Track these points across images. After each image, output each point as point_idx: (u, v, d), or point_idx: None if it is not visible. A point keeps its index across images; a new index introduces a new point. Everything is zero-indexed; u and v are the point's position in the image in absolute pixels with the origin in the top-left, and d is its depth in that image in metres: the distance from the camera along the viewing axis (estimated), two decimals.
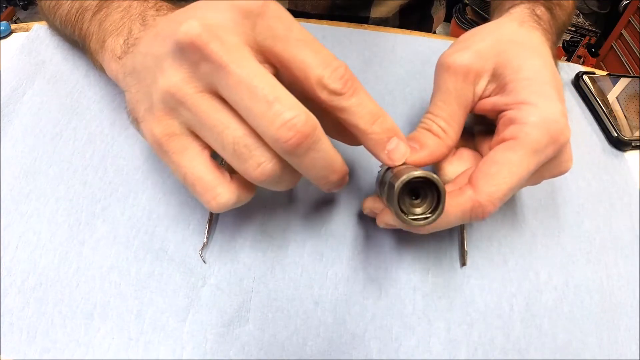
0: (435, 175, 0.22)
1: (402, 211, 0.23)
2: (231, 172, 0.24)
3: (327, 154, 0.22)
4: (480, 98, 0.27)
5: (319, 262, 0.30)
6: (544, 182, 0.35)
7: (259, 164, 0.21)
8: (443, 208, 0.22)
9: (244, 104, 0.20)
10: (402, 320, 0.28)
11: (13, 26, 0.42)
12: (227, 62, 0.20)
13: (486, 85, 0.27)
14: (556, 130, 0.24)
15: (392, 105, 0.39)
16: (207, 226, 0.30)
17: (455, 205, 0.24)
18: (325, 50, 0.22)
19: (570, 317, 0.29)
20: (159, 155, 0.23)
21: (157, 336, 0.26)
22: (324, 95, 0.21)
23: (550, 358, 0.28)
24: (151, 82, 0.23)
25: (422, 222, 0.23)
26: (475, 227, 0.32)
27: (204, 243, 0.29)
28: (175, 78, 0.21)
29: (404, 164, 0.24)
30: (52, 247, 0.29)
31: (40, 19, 0.42)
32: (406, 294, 0.29)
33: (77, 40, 0.34)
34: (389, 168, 0.25)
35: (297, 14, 0.53)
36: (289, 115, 0.19)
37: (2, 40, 0.41)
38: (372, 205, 0.28)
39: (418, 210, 0.23)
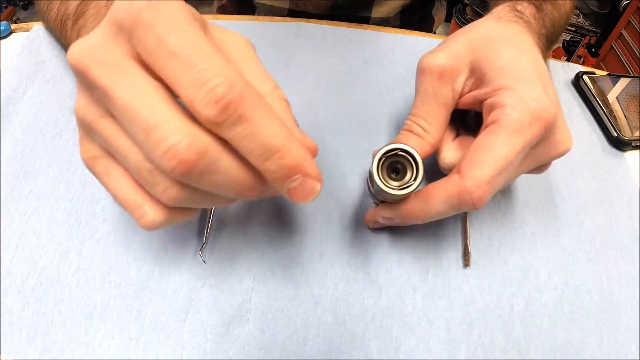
0: (410, 147, 0.24)
1: (383, 182, 0.24)
2: None
3: (231, 172, 0.19)
4: (463, 94, 0.28)
5: (319, 262, 0.30)
6: (544, 182, 0.35)
7: (164, 190, 0.19)
8: (422, 176, 0.24)
9: (130, 130, 0.18)
10: (402, 320, 0.28)
11: (13, 26, 0.42)
12: (107, 86, 0.18)
13: (465, 82, 0.28)
14: (537, 108, 0.24)
15: (392, 105, 0.39)
16: (207, 226, 0.30)
17: (441, 191, 0.24)
18: (208, 62, 0.17)
19: (570, 317, 0.29)
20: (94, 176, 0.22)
21: (157, 336, 0.26)
22: (201, 120, 0.18)
23: (550, 358, 0.28)
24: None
25: (401, 191, 0.24)
26: (475, 226, 0.32)
27: (204, 243, 0.29)
28: (80, 102, 0.20)
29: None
30: (52, 247, 0.29)
31: (40, 19, 0.42)
32: (406, 294, 0.29)
33: (64, 45, 0.34)
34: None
35: (298, 13, 0.53)
36: (170, 142, 0.17)
37: (2, 40, 0.41)
38: (372, 215, 0.29)
39: (398, 183, 0.25)
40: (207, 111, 0.17)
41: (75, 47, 0.19)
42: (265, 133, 0.18)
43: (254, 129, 0.18)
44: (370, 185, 0.28)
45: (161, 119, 0.17)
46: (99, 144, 0.21)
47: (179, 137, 0.17)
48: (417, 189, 0.24)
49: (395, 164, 0.25)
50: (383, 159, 0.25)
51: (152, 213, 0.21)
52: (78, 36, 0.30)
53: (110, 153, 0.21)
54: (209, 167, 0.18)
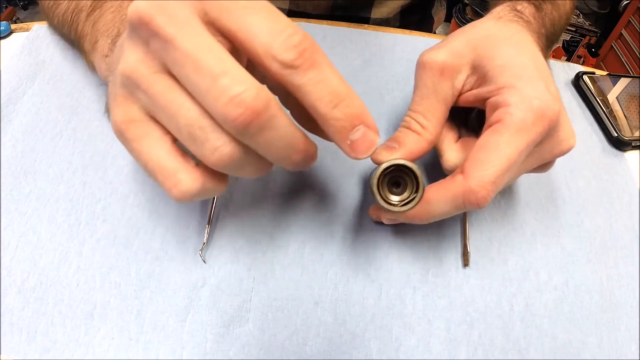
0: (412, 163, 0.23)
1: (383, 199, 0.24)
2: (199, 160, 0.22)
3: (286, 131, 0.19)
4: (463, 92, 0.28)
5: (319, 262, 0.30)
6: (544, 182, 0.35)
7: (216, 148, 0.19)
8: (423, 193, 0.23)
9: (191, 80, 0.18)
10: (402, 320, 0.28)
11: (13, 26, 0.42)
12: (172, 35, 0.18)
13: (465, 80, 0.28)
14: (540, 106, 0.24)
15: (392, 105, 0.39)
16: (207, 226, 0.30)
17: (445, 191, 0.24)
18: (281, 16, 0.19)
19: (570, 317, 0.29)
20: (122, 143, 0.22)
21: (157, 336, 0.26)
22: (274, 68, 0.18)
23: (550, 358, 0.28)
24: (116, 69, 0.21)
25: (402, 207, 0.24)
26: (475, 226, 0.32)
27: (204, 243, 0.29)
28: (130, 58, 0.19)
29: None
30: (52, 247, 0.29)
31: (40, 19, 0.42)
32: (406, 294, 0.29)
33: (73, 40, 0.34)
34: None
35: (298, 14, 0.53)
36: (236, 90, 0.17)
37: (2, 40, 0.41)
38: (376, 211, 0.29)
39: (399, 198, 0.24)
40: (285, 55, 0.18)
41: (140, 0, 0.18)
42: (334, 81, 0.19)
43: (325, 76, 0.19)
44: (371, 195, 0.28)
45: (228, 68, 0.17)
46: (141, 105, 0.20)
47: (245, 86, 0.17)
48: (418, 203, 0.24)
49: (395, 177, 0.25)
50: (382, 175, 0.24)
51: (188, 180, 0.20)
52: (93, 28, 0.30)
53: (152, 116, 0.20)
54: (269, 121, 0.18)
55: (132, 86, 0.20)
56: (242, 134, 0.18)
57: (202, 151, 0.19)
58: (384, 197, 0.24)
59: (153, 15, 0.18)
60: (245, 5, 0.18)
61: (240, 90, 0.17)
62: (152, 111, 0.20)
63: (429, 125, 0.27)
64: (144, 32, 0.19)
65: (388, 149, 0.26)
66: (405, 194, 0.25)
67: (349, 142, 0.20)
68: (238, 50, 0.20)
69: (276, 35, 0.18)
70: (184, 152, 0.21)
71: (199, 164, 0.21)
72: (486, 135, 0.24)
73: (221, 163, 0.19)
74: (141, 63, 0.19)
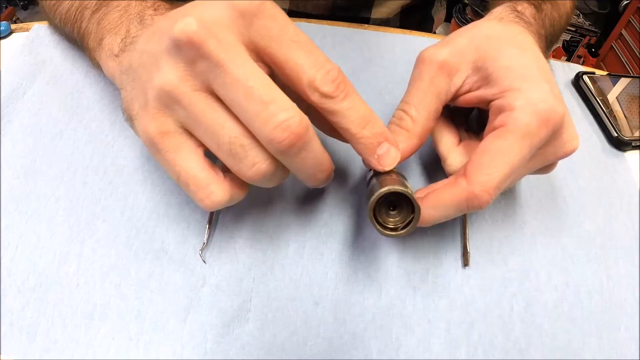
0: (409, 192, 0.23)
1: (378, 222, 0.24)
2: (224, 170, 0.24)
3: (317, 153, 0.22)
4: (463, 92, 0.28)
5: (319, 262, 0.30)
6: (544, 182, 0.35)
7: (254, 164, 0.21)
8: (416, 223, 0.24)
9: (240, 104, 0.20)
10: (402, 320, 0.28)
11: (13, 26, 0.42)
12: (223, 60, 0.20)
13: (465, 79, 0.27)
14: (545, 110, 0.24)
15: (392, 105, 0.39)
16: (207, 226, 0.30)
17: (449, 197, 0.24)
18: (319, 52, 0.22)
19: (570, 317, 0.29)
20: (152, 153, 0.23)
21: (157, 336, 0.26)
22: (315, 98, 0.21)
23: (550, 358, 0.28)
24: (146, 80, 0.22)
25: (393, 233, 0.24)
26: (475, 227, 0.32)
27: (204, 243, 0.29)
28: (171, 75, 0.21)
29: (392, 170, 0.25)
30: (52, 247, 0.29)
31: (40, 19, 0.42)
32: (406, 294, 0.29)
33: (76, 38, 0.34)
34: (374, 174, 0.26)
35: (298, 14, 0.53)
36: (283, 117, 0.20)
37: (2, 40, 0.41)
38: None
39: (393, 220, 0.25)
40: (325, 88, 0.21)
41: (191, 20, 0.20)
42: (361, 107, 0.23)
43: (355, 104, 0.22)
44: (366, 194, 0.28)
45: (275, 96, 0.20)
46: (177, 119, 0.22)
47: (291, 113, 0.20)
48: (413, 228, 0.24)
49: (390, 200, 0.25)
50: (376, 205, 0.24)
51: (219, 192, 0.23)
52: (98, 25, 0.31)
53: (188, 129, 0.22)
54: (307, 144, 0.21)
55: (170, 101, 0.21)
56: (282, 154, 0.21)
57: (240, 166, 0.22)
58: (382, 223, 0.24)
59: (204, 39, 0.20)
60: (292, 38, 0.21)
61: (287, 117, 0.20)
62: (188, 125, 0.22)
63: (419, 118, 0.27)
64: (191, 52, 0.20)
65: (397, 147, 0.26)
66: (403, 215, 0.24)
67: (376, 156, 0.24)
68: (275, 75, 0.22)
69: (317, 70, 0.21)
70: (213, 163, 0.23)
71: (226, 174, 0.24)
72: (490, 139, 0.24)
73: (256, 177, 0.22)
74: (183, 81, 0.21)
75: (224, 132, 0.21)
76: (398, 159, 0.25)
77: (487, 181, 0.23)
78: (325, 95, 0.21)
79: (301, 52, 0.21)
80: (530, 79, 0.25)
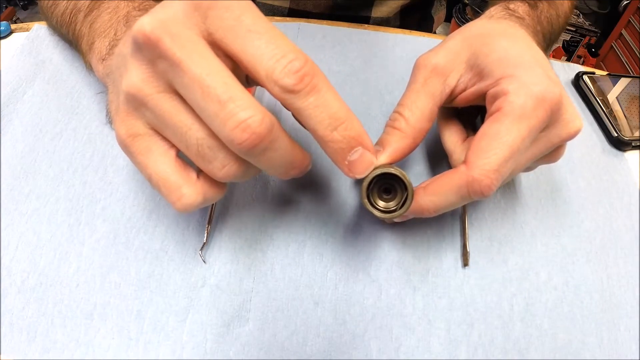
0: (401, 171, 0.23)
1: (372, 205, 0.24)
2: (199, 170, 0.23)
3: (286, 151, 0.21)
4: (459, 91, 0.28)
5: (319, 262, 0.30)
6: (544, 182, 0.35)
7: (224, 166, 0.20)
8: (410, 201, 0.24)
9: (199, 104, 0.19)
10: (402, 320, 0.28)
11: (13, 26, 0.42)
12: (180, 57, 0.18)
13: (459, 79, 0.27)
14: (539, 91, 0.23)
15: (392, 105, 0.38)
16: (207, 226, 0.30)
17: (449, 183, 0.24)
18: (282, 41, 0.19)
19: (570, 317, 0.29)
20: (127, 156, 0.22)
21: (157, 336, 0.26)
22: (275, 92, 0.19)
23: (550, 358, 0.28)
24: (119, 82, 0.22)
25: (387, 215, 0.24)
26: (475, 227, 0.32)
27: (204, 243, 0.29)
28: (135, 78, 0.20)
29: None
30: (52, 247, 0.29)
31: (40, 19, 0.42)
32: (406, 294, 0.29)
33: (71, 40, 0.35)
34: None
35: (299, 13, 0.53)
36: (243, 116, 0.18)
37: (2, 40, 0.41)
38: None
39: (388, 205, 0.25)
40: (286, 80, 0.19)
41: (147, 19, 0.19)
42: (333, 105, 0.20)
43: (324, 100, 0.20)
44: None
45: (234, 94, 0.18)
46: (146, 121, 0.21)
47: (251, 112, 0.18)
48: (408, 209, 0.24)
49: (385, 185, 0.25)
50: (368, 188, 0.24)
51: (191, 194, 0.22)
52: (90, 28, 0.30)
53: (157, 131, 0.21)
54: (272, 143, 0.19)
55: (136, 103, 0.21)
56: (246, 155, 0.20)
57: (210, 168, 0.21)
58: (375, 205, 0.24)
59: (160, 37, 0.19)
60: (249, 28, 0.19)
61: (246, 116, 0.18)
62: (158, 127, 0.21)
63: (412, 118, 0.27)
64: (150, 52, 0.19)
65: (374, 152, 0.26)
66: (397, 199, 0.25)
67: (347, 162, 0.21)
68: (239, 71, 0.21)
69: (277, 60, 0.19)
70: (186, 163, 0.22)
71: (200, 174, 0.23)
72: (487, 125, 0.24)
73: (228, 178, 0.21)
74: (146, 83, 0.20)
75: (191, 134, 0.20)
76: (372, 165, 0.22)
77: (486, 164, 0.23)
78: (286, 90, 0.19)
79: (259, 42, 0.19)
80: (523, 65, 0.25)
